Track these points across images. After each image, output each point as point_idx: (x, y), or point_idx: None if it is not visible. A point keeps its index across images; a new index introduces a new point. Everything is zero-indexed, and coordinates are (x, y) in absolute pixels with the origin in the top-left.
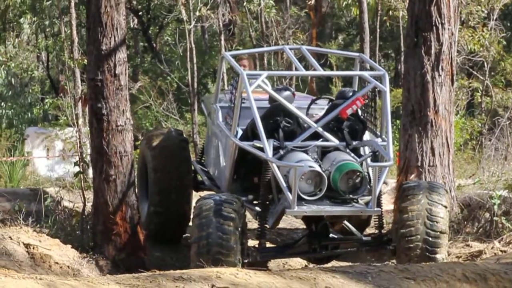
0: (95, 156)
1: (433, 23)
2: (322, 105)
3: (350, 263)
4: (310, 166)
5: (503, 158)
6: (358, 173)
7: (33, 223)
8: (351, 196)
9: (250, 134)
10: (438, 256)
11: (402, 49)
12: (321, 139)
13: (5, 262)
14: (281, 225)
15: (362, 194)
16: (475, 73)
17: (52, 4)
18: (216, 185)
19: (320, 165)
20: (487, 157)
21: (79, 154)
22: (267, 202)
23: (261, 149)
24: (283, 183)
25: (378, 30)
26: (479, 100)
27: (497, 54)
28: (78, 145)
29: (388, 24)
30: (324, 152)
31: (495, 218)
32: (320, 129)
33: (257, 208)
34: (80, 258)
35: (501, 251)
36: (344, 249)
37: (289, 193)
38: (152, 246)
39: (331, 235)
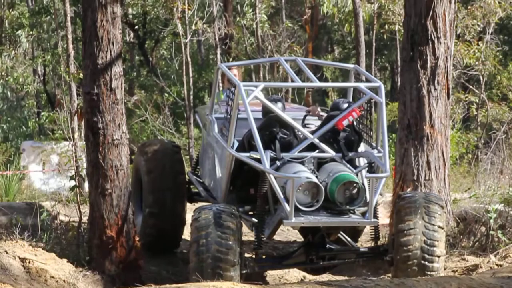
0: (91, 170)
1: (429, 37)
2: (316, 116)
3: (346, 277)
4: (307, 177)
5: (498, 172)
6: (355, 184)
7: (29, 237)
8: (348, 207)
9: (247, 145)
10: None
11: (399, 63)
12: (317, 150)
13: (1, 276)
14: (277, 237)
15: (359, 205)
16: (471, 87)
17: (49, 18)
18: (212, 196)
19: (316, 176)
20: (483, 171)
21: (75, 168)
22: (264, 213)
23: (258, 160)
24: (280, 194)
25: (374, 44)
26: (475, 114)
27: (493, 68)
28: (74, 159)
29: (385, 36)
30: (320, 163)
31: (491, 232)
32: (316, 140)
33: (253, 219)
34: (76, 272)
35: (497, 265)
36: (341, 260)
37: (286, 204)
38: (148, 260)
39: (327, 245)
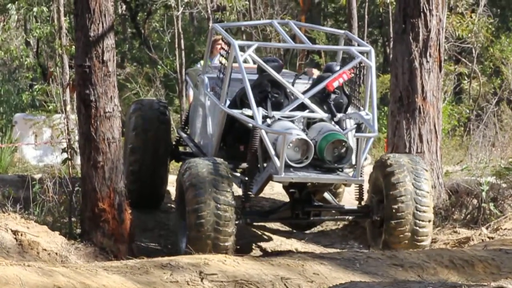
0: (83, 142)
1: (421, 10)
2: (305, 81)
3: (337, 249)
4: (298, 134)
5: (490, 144)
6: (343, 143)
7: (21, 210)
8: (336, 165)
9: (239, 102)
10: (425, 243)
11: (391, 35)
12: (307, 110)
13: None
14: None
15: (346, 164)
16: (463, 59)
17: None
18: (202, 152)
19: (306, 134)
20: (475, 143)
21: (67, 140)
22: (254, 169)
23: (250, 117)
24: (271, 150)
25: (366, 16)
26: (467, 86)
27: (486, 40)
28: (66, 132)
29: (381, 9)
30: (309, 123)
31: (483, 204)
32: (307, 100)
33: (242, 176)
34: (68, 245)
35: (488, 237)
36: (326, 218)
37: (276, 160)
38: (140, 233)
39: (313, 202)
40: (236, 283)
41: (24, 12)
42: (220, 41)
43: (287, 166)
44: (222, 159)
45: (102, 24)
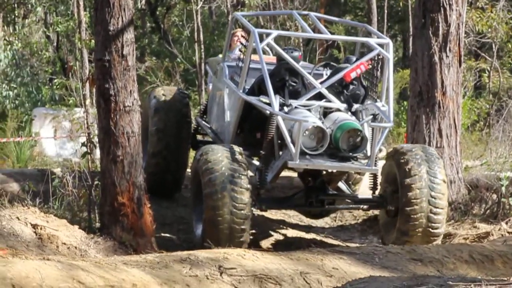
0: (103, 136)
1: (441, 4)
2: (323, 72)
3: (357, 244)
4: (314, 122)
5: (510, 139)
6: (359, 133)
7: (40, 204)
8: (350, 154)
9: (257, 90)
10: (438, 230)
11: (410, 30)
12: (324, 100)
13: (13, 242)
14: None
15: (361, 153)
16: (483, 54)
17: None
18: (219, 139)
19: (322, 123)
20: (495, 138)
21: (87, 134)
22: (270, 156)
23: (268, 104)
24: (287, 136)
25: (386, 11)
26: (487, 81)
27: (505, 35)
28: (86, 126)
29: (401, 4)
30: (326, 113)
31: (502, 199)
32: (324, 90)
33: (257, 163)
34: (87, 239)
35: (508, 232)
36: (340, 207)
37: (292, 146)
38: (160, 227)
39: (327, 191)
40: (255, 278)
41: (48, 8)
42: (237, 34)
43: (303, 154)
44: (237, 146)
45: (122, 18)
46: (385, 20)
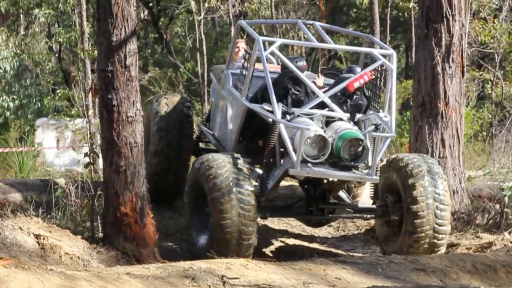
0: (105, 147)
1: (444, 15)
2: (328, 82)
3: (360, 254)
4: (316, 131)
5: None
6: (360, 142)
7: (43, 214)
8: (352, 163)
9: (260, 98)
10: (445, 228)
11: (413, 41)
12: (326, 109)
13: (16, 252)
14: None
15: (362, 162)
16: (485, 64)
17: None
18: (221, 145)
19: (324, 132)
20: (498, 148)
21: (89, 145)
22: (271, 164)
23: (270, 112)
24: (289, 144)
25: (388, 21)
26: (490, 91)
27: (508, 46)
28: (88, 136)
29: (406, 14)
30: (328, 122)
31: (505, 209)
32: (327, 99)
33: (259, 171)
34: (90, 249)
35: (511, 242)
36: (341, 215)
37: (293, 154)
38: (162, 237)
39: (328, 200)
40: (258, 287)
41: (50, 18)
42: (239, 45)
43: (304, 162)
44: (237, 154)
45: (125, 29)
46: (388, 31)
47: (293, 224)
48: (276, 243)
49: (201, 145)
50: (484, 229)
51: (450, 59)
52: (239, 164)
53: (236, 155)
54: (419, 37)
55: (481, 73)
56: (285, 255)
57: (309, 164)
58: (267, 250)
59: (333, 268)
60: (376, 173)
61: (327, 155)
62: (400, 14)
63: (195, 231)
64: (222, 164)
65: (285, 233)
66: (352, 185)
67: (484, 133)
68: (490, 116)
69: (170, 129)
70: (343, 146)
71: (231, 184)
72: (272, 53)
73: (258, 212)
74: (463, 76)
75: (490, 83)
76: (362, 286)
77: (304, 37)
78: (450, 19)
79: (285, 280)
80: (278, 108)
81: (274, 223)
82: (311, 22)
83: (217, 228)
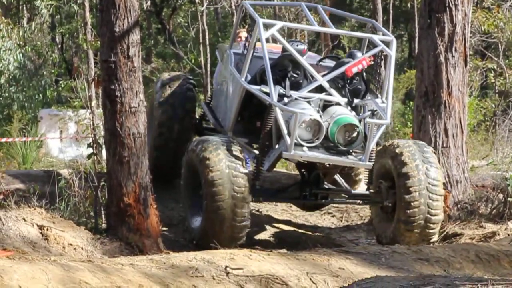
0: (109, 137)
1: (447, 4)
2: (329, 65)
3: (362, 238)
4: (311, 115)
5: None
6: (355, 127)
7: (46, 205)
8: (346, 148)
9: (259, 79)
10: (437, 217)
11: (416, 31)
12: (324, 93)
13: (19, 243)
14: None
15: (356, 148)
16: (489, 54)
17: None
18: (220, 125)
19: (320, 116)
20: (501, 138)
21: (92, 136)
22: (266, 146)
23: (267, 94)
24: (283, 127)
25: (391, 11)
26: (493, 81)
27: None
28: (92, 127)
29: (409, 4)
30: (326, 106)
31: (508, 199)
32: (325, 83)
33: (255, 151)
34: (93, 239)
35: None
36: (335, 200)
37: (288, 137)
38: (166, 228)
39: (322, 185)
40: (262, 278)
41: (53, 10)
42: (241, 35)
43: (299, 145)
44: (235, 134)
45: (127, 19)
46: (390, 21)
47: (296, 215)
48: (279, 233)
49: (205, 124)
50: (487, 218)
51: (453, 48)
52: (233, 147)
53: (230, 137)
54: (422, 27)
55: (484, 62)
56: (289, 245)
57: (304, 148)
58: (270, 240)
59: (337, 258)
60: (371, 159)
61: (321, 139)
62: (403, 4)
63: (189, 213)
64: (216, 147)
65: (288, 223)
66: (351, 171)
67: (488, 123)
68: (493, 105)
69: (173, 102)
70: (337, 131)
71: (224, 166)
72: (273, 36)
73: (252, 195)
74: (466, 65)
75: (493, 72)
76: (365, 276)
77: (307, 21)
78: (453, 8)
79: (288, 270)
80: (275, 90)
81: (277, 213)
82: (314, 5)
83: (210, 209)
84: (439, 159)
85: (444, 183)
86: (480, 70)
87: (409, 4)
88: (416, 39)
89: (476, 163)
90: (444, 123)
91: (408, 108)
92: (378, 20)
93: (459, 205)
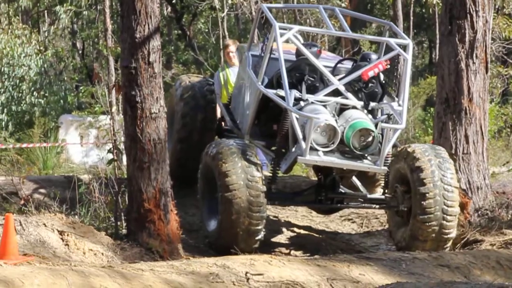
0: (129, 143)
1: (467, 11)
2: (347, 66)
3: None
4: (326, 120)
5: None
6: (370, 132)
7: (67, 210)
8: (361, 152)
9: (275, 83)
10: (452, 223)
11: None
12: (340, 97)
13: (40, 249)
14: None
15: (371, 152)
16: (510, 60)
17: None
18: (237, 127)
19: (336, 120)
20: None
21: (113, 141)
22: (283, 149)
23: (283, 98)
24: (299, 132)
25: (411, 18)
26: None
27: None
28: (112, 133)
29: (430, 10)
30: (342, 109)
31: None
32: (341, 87)
33: (273, 154)
34: (114, 245)
35: None
36: (351, 205)
37: (303, 142)
38: (186, 233)
39: (337, 189)
40: (282, 284)
41: (72, 15)
42: (230, 48)
43: (314, 150)
44: (252, 137)
45: (148, 25)
46: (411, 27)
47: (317, 221)
48: (300, 240)
49: (225, 126)
50: (508, 225)
51: (474, 55)
52: (249, 151)
53: (247, 141)
54: (442, 34)
55: (506, 69)
56: (309, 251)
57: (319, 153)
58: (290, 246)
59: (357, 265)
60: (386, 164)
61: (336, 143)
62: (424, 10)
63: (206, 215)
64: (232, 151)
65: (308, 229)
66: (370, 174)
67: (508, 129)
68: None
69: (194, 94)
70: (352, 136)
71: (239, 171)
72: (289, 40)
73: (268, 199)
74: (487, 72)
75: None
76: (386, 282)
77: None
78: (474, 15)
79: (309, 277)
80: (291, 94)
81: (297, 219)
82: (331, 7)
83: (226, 214)
84: (460, 165)
85: (464, 190)
86: (502, 77)
87: (430, 10)
88: (437, 46)
89: (497, 169)
90: (465, 130)
91: (429, 115)
92: (399, 27)
93: (479, 212)
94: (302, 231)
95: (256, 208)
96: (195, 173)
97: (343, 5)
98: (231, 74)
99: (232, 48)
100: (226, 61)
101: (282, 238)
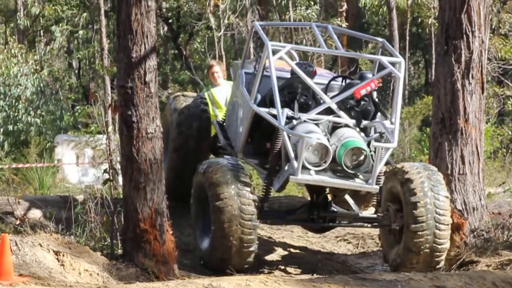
0: (125, 163)
1: (464, 31)
2: (342, 84)
3: (378, 265)
4: (318, 139)
5: None
6: (362, 151)
7: (63, 230)
8: (353, 171)
9: (268, 101)
10: (444, 246)
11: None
12: (333, 115)
13: (35, 269)
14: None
15: (363, 171)
16: (505, 80)
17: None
18: (230, 146)
19: (328, 139)
20: None
21: (109, 161)
22: (276, 168)
23: (276, 117)
24: (290, 152)
25: (407, 38)
26: (510, 108)
27: None
28: (108, 153)
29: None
30: (334, 127)
31: None
32: (334, 105)
33: (266, 172)
34: (109, 265)
35: None
36: (343, 224)
37: (295, 161)
38: (182, 254)
39: (330, 207)
40: None
41: (68, 34)
42: (214, 69)
43: (306, 168)
44: (245, 155)
45: (144, 45)
46: (407, 47)
47: (312, 241)
48: (295, 260)
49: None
50: (504, 246)
51: (470, 75)
52: (242, 172)
53: (240, 161)
54: (438, 54)
55: (502, 89)
56: (305, 272)
57: (311, 172)
58: (286, 267)
59: (353, 285)
60: (378, 182)
61: (328, 162)
62: (420, 30)
63: (199, 233)
64: (225, 172)
65: (304, 250)
66: (363, 192)
67: (504, 150)
68: (510, 132)
69: (188, 105)
70: (344, 154)
71: (232, 193)
72: (281, 59)
73: (260, 217)
74: (483, 92)
75: (511, 99)
76: None
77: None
78: (470, 35)
79: None
80: (283, 113)
81: (293, 239)
82: (325, 25)
83: (218, 235)
84: (456, 186)
85: (460, 210)
86: (498, 97)
87: (426, 30)
88: (433, 66)
89: (493, 190)
90: (461, 150)
91: (425, 135)
92: (395, 47)
93: (475, 233)
94: (297, 252)
95: (248, 216)
96: (191, 185)
97: (343, 25)
98: (216, 93)
99: (217, 68)
100: (210, 81)
101: (277, 258)
